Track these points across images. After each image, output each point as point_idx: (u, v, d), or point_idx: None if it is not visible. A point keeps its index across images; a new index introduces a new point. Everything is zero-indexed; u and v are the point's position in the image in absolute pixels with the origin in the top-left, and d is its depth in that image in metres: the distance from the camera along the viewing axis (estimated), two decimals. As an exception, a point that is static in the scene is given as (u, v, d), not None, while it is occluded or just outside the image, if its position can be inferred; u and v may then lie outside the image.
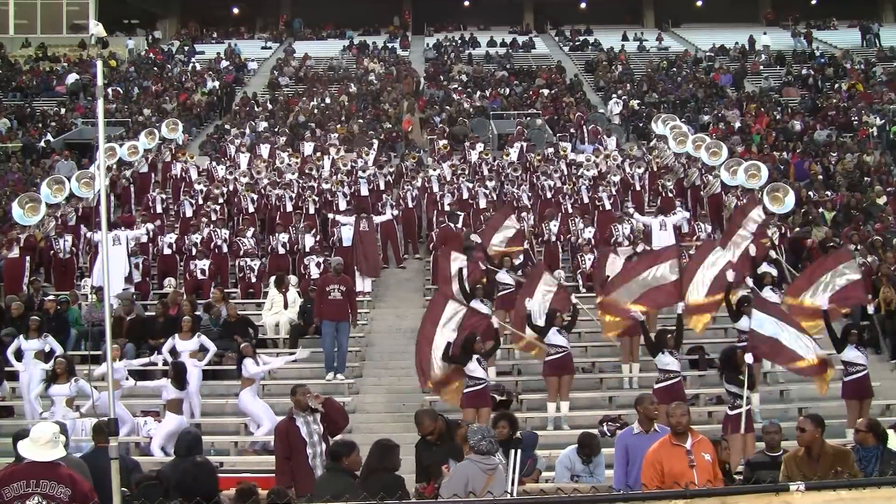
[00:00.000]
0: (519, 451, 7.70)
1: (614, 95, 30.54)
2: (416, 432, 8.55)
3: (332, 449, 7.29)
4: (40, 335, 12.78)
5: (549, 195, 19.08)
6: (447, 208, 18.15)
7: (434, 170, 20.32)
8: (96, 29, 6.10)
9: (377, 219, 17.30)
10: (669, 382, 11.30)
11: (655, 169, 20.92)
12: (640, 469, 7.49)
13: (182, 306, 14.22)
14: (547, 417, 12.57)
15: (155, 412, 12.06)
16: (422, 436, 8.39)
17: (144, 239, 16.95)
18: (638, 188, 19.83)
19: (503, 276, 14.59)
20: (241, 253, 16.71)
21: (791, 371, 11.25)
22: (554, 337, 12.41)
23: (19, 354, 12.69)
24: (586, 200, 18.71)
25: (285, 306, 14.68)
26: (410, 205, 18.81)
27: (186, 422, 11.41)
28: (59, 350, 12.64)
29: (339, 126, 25.76)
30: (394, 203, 18.52)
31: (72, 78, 32.15)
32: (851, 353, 11.61)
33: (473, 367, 11.31)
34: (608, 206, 18.33)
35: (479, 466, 6.66)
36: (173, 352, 12.78)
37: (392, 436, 8.01)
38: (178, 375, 11.42)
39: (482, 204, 18.49)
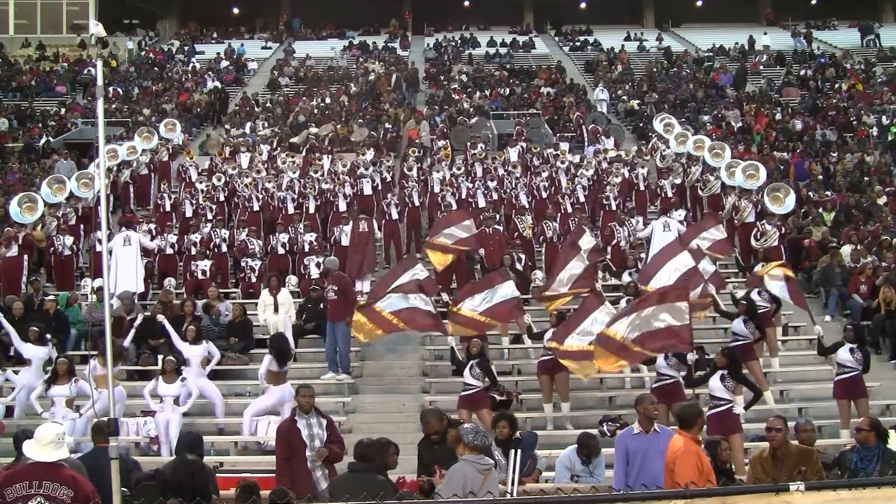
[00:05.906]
0: (519, 451, 7.71)
1: (601, 83, 30.45)
2: (415, 432, 8.55)
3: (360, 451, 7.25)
4: (41, 338, 12.66)
5: (544, 195, 19.05)
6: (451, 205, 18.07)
7: (437, 171, 20.28)
8: (96, 29, 6.09)
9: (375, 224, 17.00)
10: (663, 383, 11.34)
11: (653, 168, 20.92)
12: (640, 469, 7.50)
13: (166, 307, 14.25)
14: (546, 417, 12.58)
15: (153, 413, 12.04)
16: (427, 435, 8.39)
17: (151, 244, 16.80)
18: (642, 188, 19.79)
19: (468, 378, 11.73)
20: (248, 252, 16.65)
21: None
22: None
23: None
24: (582, 199, 18.64)
25: (275, 309, 14.62)
26: (416, 203, 18.69)
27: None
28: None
29: (339, 126, 25.72)
30: (398, 203, 18.47)
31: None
32: (844, 354, 11.63)
33: (466, 375, 11.52)
34: (613, 207, 18.27)
35: (475, 466, 6.57)
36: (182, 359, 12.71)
37: (392, 436, 8.00)
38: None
39: (481, 203, 18.49)
